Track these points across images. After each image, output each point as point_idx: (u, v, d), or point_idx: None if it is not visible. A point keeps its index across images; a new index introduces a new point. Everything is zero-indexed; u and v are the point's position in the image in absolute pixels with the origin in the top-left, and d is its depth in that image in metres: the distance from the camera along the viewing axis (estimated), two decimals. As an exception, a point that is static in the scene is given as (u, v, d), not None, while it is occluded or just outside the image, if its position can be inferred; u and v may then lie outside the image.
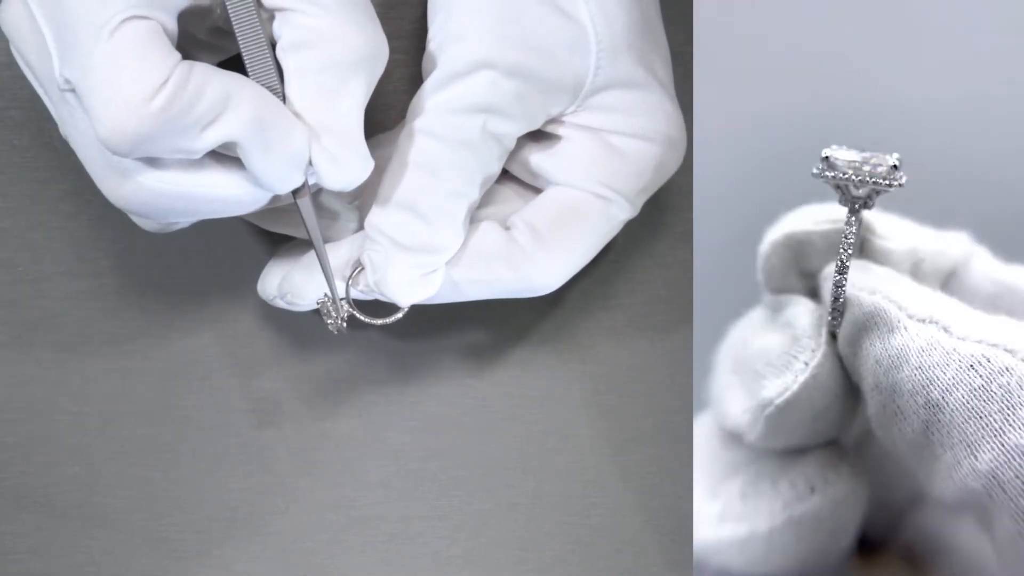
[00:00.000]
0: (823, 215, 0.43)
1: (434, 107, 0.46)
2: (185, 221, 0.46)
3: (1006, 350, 0.37)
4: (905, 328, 0.38)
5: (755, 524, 0.43)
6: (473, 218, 0.48)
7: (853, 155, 0.41)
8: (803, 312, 0.42)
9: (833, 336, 0.41)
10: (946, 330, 0.38)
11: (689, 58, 0.53)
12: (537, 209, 0.48)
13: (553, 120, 0.48)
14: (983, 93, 0.59)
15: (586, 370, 0.54)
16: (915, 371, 0.38)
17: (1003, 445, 0.36)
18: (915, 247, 0.43)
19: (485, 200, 0.49)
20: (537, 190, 0.50)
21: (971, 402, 0.37)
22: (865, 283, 0.40)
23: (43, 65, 0.41)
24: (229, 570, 0.52)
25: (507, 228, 0.48)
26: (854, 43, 0.59)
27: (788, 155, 0.59)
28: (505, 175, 0.50)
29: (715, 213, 0.54)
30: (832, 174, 0.41)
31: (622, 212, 0.49)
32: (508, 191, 0.50)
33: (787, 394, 0.41)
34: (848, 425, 0.43)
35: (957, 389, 0.37)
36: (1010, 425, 0.36)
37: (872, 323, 0.39)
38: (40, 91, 0.44)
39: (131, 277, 0.52)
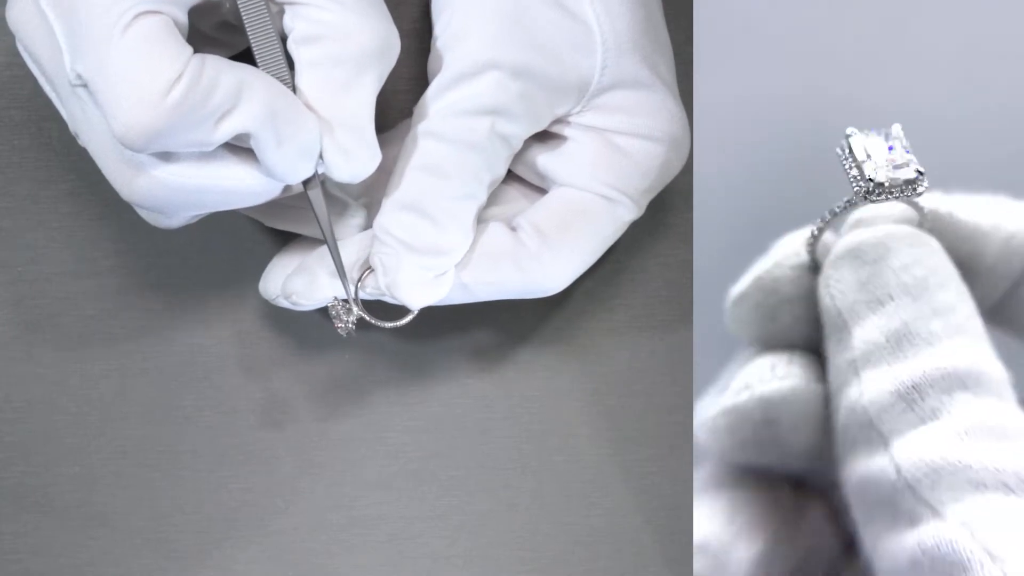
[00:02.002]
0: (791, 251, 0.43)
1: (441, 109, 0.46)
2: (195, 215, 0.46)
3: None
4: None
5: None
6: (479, 218, 0.48)
7: (881, 150, 0.40)
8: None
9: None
10: None
11: (689, 57, 0.53)
12: (543, 210, 0.48)
13: (559, 120, 0.48)
14: (988, 90, 0.58)
15: (586, 370, 0.54)
16: None
17: None
18: (999, 223, 0.42)
19: (491, 200, 0.49)
20: (542, 190, 0.50)
21: None
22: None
23: (53, 61, 0.41)
24: (229, 570, 0.52)
25: (513, 229, 0.48)
26: (855, 43, 0.59)
27: (789, 155, 0.59)
28: (510, 175, 0.50)
29: (715, 213, 0.54)
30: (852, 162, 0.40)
31: (628, 213, 0.49)
32: (513, 191, 0.50)
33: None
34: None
35: None
36: None
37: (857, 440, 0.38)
38: (48, 88, 0.44)
39: (131, 277, 0.52)
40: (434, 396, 0.53)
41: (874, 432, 0.37)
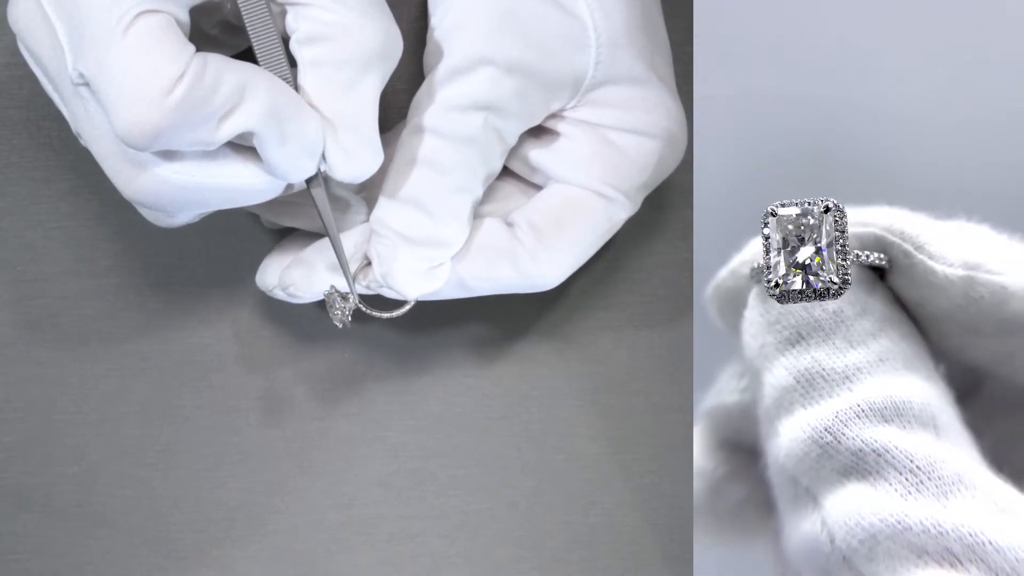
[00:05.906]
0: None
1: (436, 104, 0.46)
2: (197, 214, 0.46)
3: None
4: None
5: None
6: (476, 214, 0.48)
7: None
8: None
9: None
10: None
11: (689, 56, 0.53)
12: (538, 207, 0.48)
13: (553, 115, 0.48)
14: (986, 86, 0.58)
15: (585, 369, 0.54)
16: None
17: None
18: (972, 275, 0.35)
19: (488, 196, 0.49)
20: (539, 186, 0.50)
21: None
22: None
23: (55, 61, 0.42)
24: (229, 570, 0.52)
25: (509, 225, 0.48)
26: (855, 42, 0.59)
27: (788, 154, 0.59)
28: (506, 171, 0.50)
29: (715, 212, 0.54)
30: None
31: (623, 210, 0.49)
32: (510, 187, 0.50)
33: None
34: None
35: None
36: None
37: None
38: (49, 88, 0.44)
39: (131, 277, 0.52)
40: (434, 395, 0.53)
41: (800, 489, 0.34)
